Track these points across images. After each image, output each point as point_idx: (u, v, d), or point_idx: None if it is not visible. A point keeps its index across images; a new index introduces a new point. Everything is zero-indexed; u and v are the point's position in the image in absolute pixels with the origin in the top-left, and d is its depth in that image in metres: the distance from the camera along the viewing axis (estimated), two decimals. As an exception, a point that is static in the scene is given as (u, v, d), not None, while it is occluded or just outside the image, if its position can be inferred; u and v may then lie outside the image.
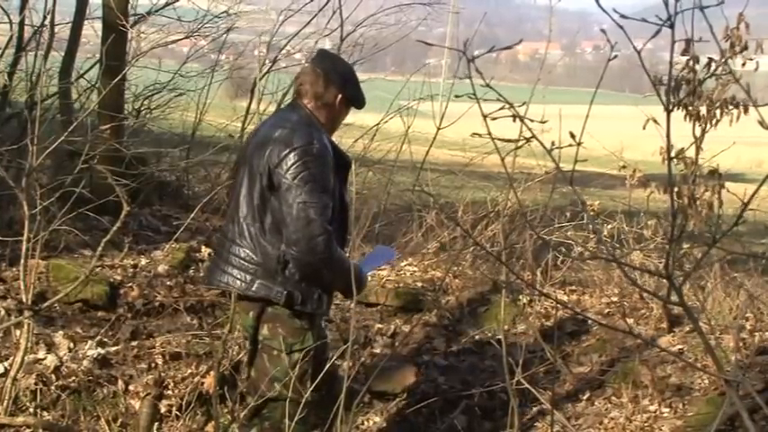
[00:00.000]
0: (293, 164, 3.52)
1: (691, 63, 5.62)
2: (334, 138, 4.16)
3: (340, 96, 3.74)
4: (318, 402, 3.58)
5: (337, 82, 3.73)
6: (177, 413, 4.56)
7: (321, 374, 3.52)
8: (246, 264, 3.64)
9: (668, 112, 2.00)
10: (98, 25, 7.46)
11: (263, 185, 3.60)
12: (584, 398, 4.86)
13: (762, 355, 4.83)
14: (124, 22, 6.93)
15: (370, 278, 4.08)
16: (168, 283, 5.69)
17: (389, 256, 4.59)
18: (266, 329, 3.67)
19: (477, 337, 5.63)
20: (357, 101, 3.85)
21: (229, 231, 3.72)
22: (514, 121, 2.09)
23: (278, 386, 3.59)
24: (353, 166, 5.88)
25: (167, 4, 8.46)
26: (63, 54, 7.48)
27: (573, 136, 2.09)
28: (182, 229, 6.27)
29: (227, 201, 4.00)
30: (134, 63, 7.79)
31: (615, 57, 2.08)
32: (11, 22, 7.02)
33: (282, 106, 4.14)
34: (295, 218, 3.47)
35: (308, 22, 8.31)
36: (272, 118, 3.97)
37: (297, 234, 3.48)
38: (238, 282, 3.65)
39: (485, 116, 2.05)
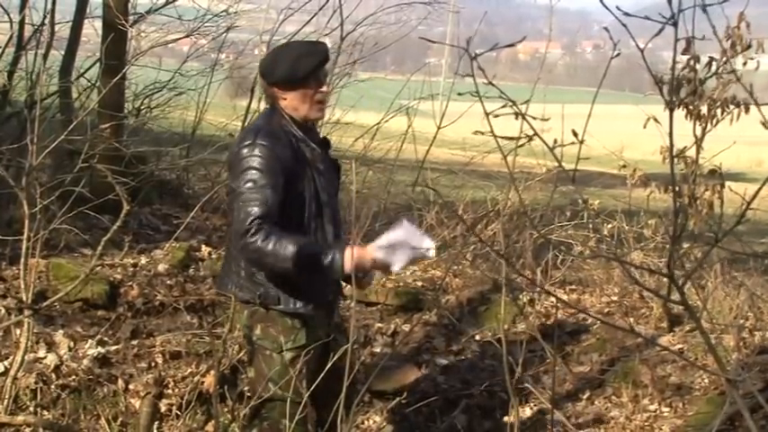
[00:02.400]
0: (236, 165, 3.50)
1: (692, 62, 5.63)
2: (332, 137, 4.14)
3: (273, 88, 3.63)
4: (321, 402, 3.57)
5: (265, 76, 3.66)
6: (177, 412, 4.56)
7: (323, 374, 3.49)
8: (238, 268, 3.64)
9: (671, 110, 1.99)
10: (98, 24, 7.46)
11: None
12: (584, 397, 4.86)
13: (762, 354, 4.82)
14: (124, 21, 6.92)
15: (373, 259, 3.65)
16: (168, 282, 5.69)
17: (421, 245, 3.51)
18: (259, 329, 3.66)
19: (477, 336, 5.63)
20: (288, 76, 3.59)
21: (230, 237, 3.76)
22: (516, 118, 2.09)
23: (272, 386, 3.58)
24: (353, 165, 5.88)
25: (167, 3, 8.45)
26: (63, 53, 7.48)
27: (575, 134, 2.08)
28: (182, 228, 6.27)
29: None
30: (134, 62, 7.79)
31: (618, 54, 2.07)
32: (11, 21, 7.01)
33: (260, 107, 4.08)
34: (235, 219, 3.44)
35: (308, 21, 8.29)
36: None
37: (236, 234, 3.44)
38: (233, 286, 3.66)
39: (487, 114, 2.05)
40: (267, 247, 3.37)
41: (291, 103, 3.63)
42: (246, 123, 5.44)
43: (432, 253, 3.50)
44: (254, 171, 3.44)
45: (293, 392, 3.40)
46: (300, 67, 3.61)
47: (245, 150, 3.47)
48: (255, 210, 3.38)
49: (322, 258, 3.41)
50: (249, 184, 3.42)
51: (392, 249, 3.48)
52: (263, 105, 7.96)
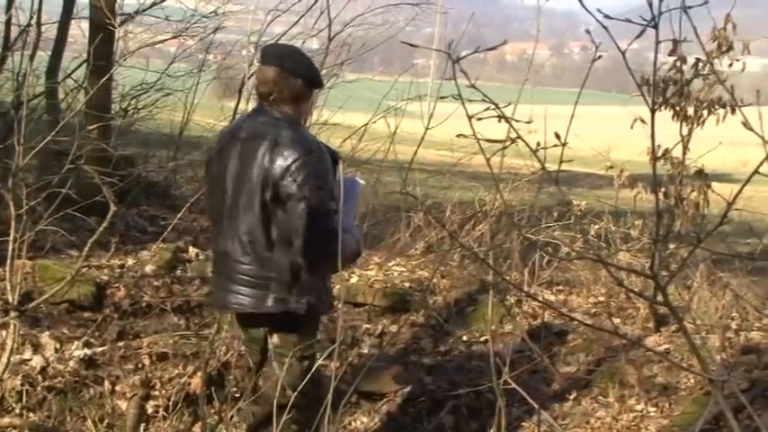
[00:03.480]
0: (298, 172, 3.47)
1: (678, 63, 5.65)
2: (319, 138, 4.15)
3: (308, 88, 3.67)
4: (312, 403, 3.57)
5: (303, 75, 3.64)
6: (164, 414, 4.55)
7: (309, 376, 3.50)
8: (257, 280, 3.58)
9: (653, 112, 2.01)
10: (85, 25, 7.45)
11: (266, 198, 3.52)
12: (571, 397, 4.87)
13: (747, 354, 4.85)
14: (111, 22, 6.91)
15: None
16: (155, 283, 5.68)
17: (355, 188, 3.95)
18: (276, 338, 3.65)
19: (464, 337, 5.63)
20: (317, 83, 3.77)
21: (231, 250, 3.62)
22: (500, 121, 2.09)
23: (292, 394, 3.56)
24: (341, 166, 5.88)
25: (154, 4, 8.44)
26: (50, 54, 7.46)
27: (558, 136, 2.09)
28: (169, 230, 6.26)
29: (211, 213, 3.85)
30: (121, 63, 7.77)
31: (600, 57, 2.08)
32: (-3, 22, 6.99)
33: (252, 111, 3.92)
34: (310, 227, 3.45)
35: (296, 22, 8.29)
36: (250, 121, 3.75)
37: (316, 242, 3.47)
38: (251, 300, 3.60)
39: (470, 117, 2.05)
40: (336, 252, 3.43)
41: (303, 109, 3.73)
42: (250, 124, 5.42)
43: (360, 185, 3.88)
44: (317, 179, 3.49)
45: (314, 399, 3.38)
46: (321, 79, 3.85)
47: (310, 155, 3.51)
48: (330, 220, 3.45)
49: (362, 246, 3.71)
50: (320, 193, 3.48)
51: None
52: (251, 106, 7.98)
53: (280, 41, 7.36)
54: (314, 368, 3.56)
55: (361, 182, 3.93)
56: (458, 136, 2.24)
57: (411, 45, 2.37)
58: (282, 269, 3.55)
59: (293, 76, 3.61)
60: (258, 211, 3.54)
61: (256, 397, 3.80)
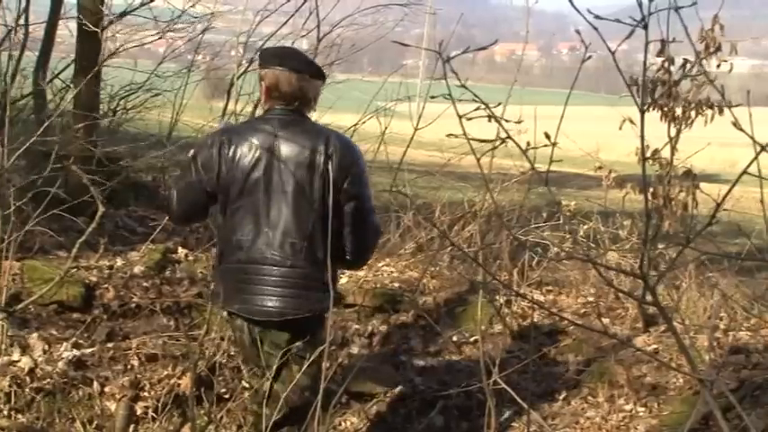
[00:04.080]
0: (359, 176, 3.67)
1: (666, 64, 5.68)
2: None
3: (320, 83, 3.82)
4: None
5: (323, 78, 3.84)
6: (153, 415, 4.54)
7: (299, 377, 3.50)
8: (308, 283, 3.59)
9: (642, 112, 2.01)
10: (73, 25, 7.42)
11: (321, 203, 3.57)
12: (561, 397, 4.88)
13: (735, 354, 4.87)
14: (99, 22, 6.88)
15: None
16: (144, 284, 5.67)
17: None
18: (300, 341, 3.63)
19: (454, 337, 5.64)
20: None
21: (270, 254, 3.58)
22: (490, 121, 2.10)
23: (308, 394, 3.55)
24: (330, 166, 5.88)
25: (143, 4, 8.41)
26: (37, 54, 7.43)
27: (548, 136, 2.10)
28: (158, 230, 6.24)
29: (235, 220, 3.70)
30: (107, 62, 7.74)
31: (590, 58, 2.09)
32: (-16, 22, 6.97)
33: (288, 116, 3.81)
34: (369, 228, 3.74)
35: (285, 23, 8.28)
36: (293, 130, 3.65)
37: (369, 242, 3.82)
38: (299, 302, 3.58)
39: (460, 117, 2.05)
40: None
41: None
42: (233, 121, 5.42)
43: None
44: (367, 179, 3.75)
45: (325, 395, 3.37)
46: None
47: (361, 161, 3.71)
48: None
49: None
50: (371, 192, 3.77)
51: None
52: (239, 106, 7.99)
53: (269, 42, 7.37)
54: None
55: None
56: (448, 136, 2.24)
57: (402, 45, 2.38)
58: (320, 268, 3.56)
59: (315, 79, 3.72)
60: (309, 216, 3.58)
61: (268, 400, 3.73)
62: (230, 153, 3.63)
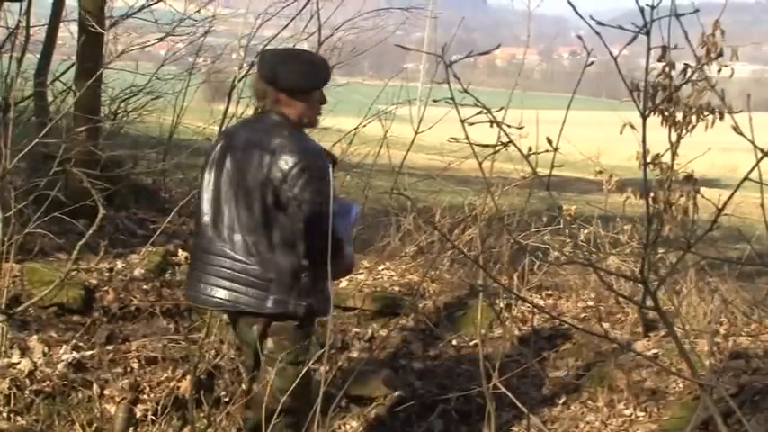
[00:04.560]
0: (299, 177, 3.51)
1: (667, 69, 5.68)
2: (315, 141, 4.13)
3: (282, 94, 3.64)
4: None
5: (269, 79, 3.65)
6: (153, 418, 4.54)
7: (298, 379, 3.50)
8: (258, 281, 3.57)
9: (644, 117, 2.01)
10: (74, 28, 7.43)
11: (268, 202, 3.55)
12: (561, 402, 4.88)
13: (735, 359, 4.86)
14: (100, 25, 6.89)
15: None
16: (144, 286, 5.67)
17: (352, 211, 3.98)
18: (271, 342, 3.64)
19: (454, 341, 5.64)
20: (300, 87, 3.66)
21: (231, 250, 3.62)
22: (491, 126, 2.10)
23: (284, 398, 3.55)
24: (331, 170, 5.87)
25: (144, 7, 8.43)
26: (38, 56, 7.44)
27: (550, 141, 2.10)
28: (158, 233, 6.24)
29: (199, 211, 3.82)
30: (109, 65, 7.75)
31: (592, 63, 2.09)
32: (-15, 24, 6.98)
33: (254, 115, 3.96)
34: (310, 228, 3.52)
35: (286, 26, 8.28)
36: (252, 127, 3.79)
37: (322, 247, 3.41)
38: (249, 299, 3.59)
39: (462, 121, 2.06)
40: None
41: (300, 110, 3.68)
42: (232, 130, 5.41)
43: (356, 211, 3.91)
44: (320, 182, 3.52)
45: (306, 402, 3.37)
46: (314, 77, 3.70)
47: (310, 160, 3.55)
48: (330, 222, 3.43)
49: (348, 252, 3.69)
50: (323, 197, 3.49)
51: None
52: (240, 110, 7.99)
53: (270, 45, 7.37)
54: (303, 372, 3.55)
55: (357, 207, 4.03)
56: (450, 140, 2.25)
57: (404, 48, 2.38)
58: (283, 271, 3.56)
59: (267, 84, 3.65)
60: (259, 214, 3.57)
61: (248, 401, 3.78)
62: (213, 152, 3.80)
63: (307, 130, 3.90)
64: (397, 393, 4.99)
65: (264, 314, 3.61)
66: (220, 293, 3.64)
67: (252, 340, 3.68)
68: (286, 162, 3.52)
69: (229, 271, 3.62)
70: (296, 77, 3.65)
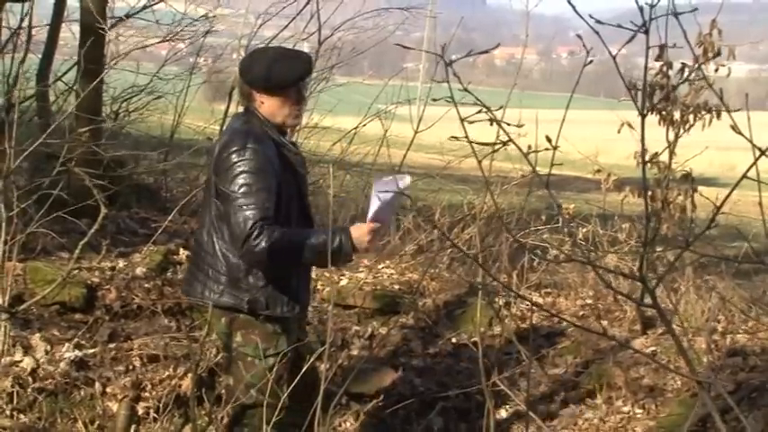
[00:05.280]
0: (227, 170, 3.45)
1: (665, 69, 5.68)
2: (310, 141, 4.12)
3: (253, 91, 3.61)
4: (297, 406, 3.54)
5: (244, 77, 3.63)
6: (155, 415, 4.54)
7: (298, 378, 3.49)
8: (217, 274, 3.61)
9: (643, 116, 2.01)
10: (76, 28, 7.42)
11: (214, 195, 3.57)
12: (559, 399, 4.88)
13: (733, 356, 4.87)
14: (102, 25, 6.89)
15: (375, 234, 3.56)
16: (146, 285, 5.66)
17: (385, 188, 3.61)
18: (239, 336, 3.65)
19: (453, 339, 5.64)
20: (272, 85, 3.58)
21: (201, 242, 3.69)
22: (491, 124, 2.10)
23: (254, 392, 3.56)
24: (331, 169, 5.87)
25: (145, 7, 8.42)
26: (40, 56, 7.43)
27: (549, 140, 2.10)
28: (159, 232, 6.24)
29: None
30: (112, 66, 7.75)
31: (590, 62, 2.09)
32: (-13, 25, 6.97)
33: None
34: (234, 224, 3.42)
35: (286, 26, 8.28)
36: (228, 125, 3.86)
37: (235, 238, 3.44)
38: (210, 293, 3.62)
39: (462, 120, 2.06)
40: (274, 246, 3.38)
41: (269, 108, 3.62)
42: (225, 126, 5.41)
43: (407, 180, 3.58)
44: (247, 175, 3.43)
45: (275, 397, 3.36)
46: (283, 75, 3.59)
47: (235, 155, 3.45)
48: (254, 213, 3.38)
49: (329, 244, 3.37)
50: (244, 189, 3.41)
51: (382, 212, 3.53)
52: (240, 110, 7.99)
53: (270, 45, 7.36)
54: (274, 368, 3.55)
55: (408, 178, 3.66)
56: (450, 138, 2.24)
57: (404, 47, 2.38)
58: (233, 266, 3.57)
59: (245, 82, 3.64)
60: (213, 208, 3.59)
61: (223, 396, 3.81)
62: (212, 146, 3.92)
63: (304, 132, 3.90)
64: (396, 391, 5.00)
65: (221, 307, 3.62)
66: (195, 286, 3.69)
67: (221, 333, 3.69)
68: (221, 153, 3.51)
69: (201, 264, 3.67)
70: (266, 73, 3.58)
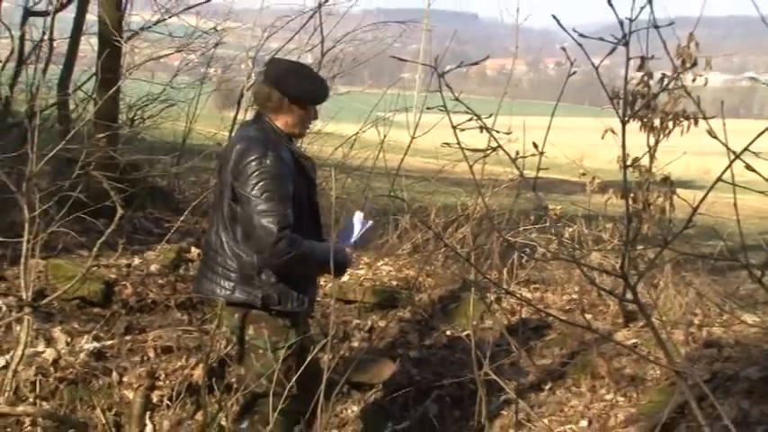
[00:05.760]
0: (249, 176, 3.45)
1: (645, 78, 5.69)
2: (313, 146, 4.12)
3: (285, 99, 3.61)
4: (301, 395, 3.55)
5: (278, 85, 3.60)
6: (168, 403, 4.54)
7: (303, 368, 3.49)
8: (227, 272, 3.60)
9: (624, 123, 2.02)
10: (94, 40, 7.43)
11: (229, 198, 3.56)
12: (547, 388, 4.88)
13: (708, 348, 4.87)
14: (119, 38, 6.89)
15: (353, 255, 3.85)
16: (160, 281, 5.67)
17: (361, 224, 3.98)
18: (251, 330, 3.65)
19: (447, 331, 5.64)
20: (306, 97, 3.66)
21: (211, 241, 3.68)
22: (482, 131, 2.10)
23: (265, 382, 3.56)
24: (333, 173, 5.86)
25: (159, 21, 8.43)
26: (61, 67, 7.44)
27: (536, 146, 2.10)
28: (172, 231, 6.25)
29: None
30: (128, 76, 7.76)
31: (574, 73, 2.09)
32: (12, 37, 6.98)
33: (247, 118, 4.01)
34: (255, 227, 3.42)
35: (291, 38, 8.28)
36: (239, 129, 3.84)
37: (259, 243, 3.44)
38: (222, 290, 3.61)
39: (454, 127, 2.06)
40: (296, 255, 3.43)
41: (291, 119, 3.66)
42: (235, 132, 5.41)
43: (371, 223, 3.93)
44: (267, 181, 3.44)
45: (283, 387, 3.36)
46: (318, 92, 3.68)
47: (256, 162, 3.45)
48: (278, 220, 3.40)
49: (334, 259, 3.40)
50: (265, 194, 3.42)
51: (360, 240, 3.92)
52: (248, 116, 7.98)
53: (276, 56, 7.37)
54: (282, 359, 3.54)
55: (363, 216, 3.98)
56: (443, 145, 2.25)
57: (400, 59, 2.38)
58: (245, 264, 3.56)
59: (275, 90, 3.61)
60: (227, 209, 3.59)
61: (235, 386, 3.80)
62: (222, 150, 3.91)
63: (308, 138, 3.90)
64: (394, 380, 4.99)
65: (234, 303, 3.62)
66: (207, 284, 3.68)
67: (234, 327, 3.69)
68: (242, 158, 3.49)
69: (213, 264, 3.66)
70: (304, 88, 3.64)
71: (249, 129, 3.67)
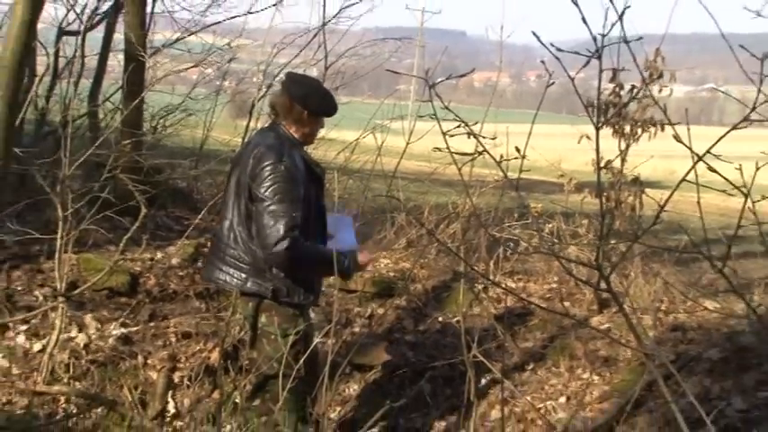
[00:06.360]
0: (264, 179, 3.46)
1: (617, 89, 5.69)
2: (318, 151, 4.12)
3: (305, 112, 3.65)
4: (306, 377, 3.54)
5: (300, 100, 3.64)
6: (188, 383, 4.55)
7: (308, 352, 3.49)
8: (241, 264, 3.59)
9: (597, 129, 2.01)
10: (121, 57, 7.41)
11: (246, 197, 3.55)
12: (529, 368, 4.88)
13: (674, 331, 4.87)
14: (143, 54, 6.88)
15: (357, 254, 3.77)
16: (180, 273, 5.66)
17: (347, 221, 4.02)
18: (264, 318, 3.64)
19: (440, 318, 5.64)
20: (322, 112, 3.72)
21: (224, 235, 3.66)
22: (469, 137, 2.10)
23: (276, 365, 3.55)
24: (336, 175, 5.86)
25: (179, 39, 8.42)
26: (91, 81, 7.43)
27: (518, 150, 2.10)
28: (191, 228, 6.23)
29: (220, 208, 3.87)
30: (151, 88, 7.74)
31: (553, 84, 2.09)
32: (48, 54, 6.97)
33: (266, 125, 3.99)
34: (265, 226, 3.43)
35: (298, 54, 8.28)
36: (257, 136, 3.83)
37: (266, 240, 3.43)
38: (235, 280, 3.60)
39: (444, 133, 2.06)
40: (297, 256, 3.43)
41: (306, 129, 3.70)
42: (253, 138, 5.41)
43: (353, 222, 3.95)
44: (280, 185, 3.44)
45: (292, 369, 3.36)
46: (334, 108, 3.75)
47: (271, 167, 3.46)
48: (285, 221, 3.40)
49: (338, 264, 3.44)
50: (278, 197, 3.43)
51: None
52: (259, 124, 7.97)
53: (285, 70, 7.35)
54: (291, 343, 3.54)
55: (351, 214, 4.00)
56: (434, 149, 2.24)
57: (396, 73, 2.37)
58: (258, 258, 3.55)
59: (298, 104, 3.64)
60: (243, 207, 3.58)
61: (248, 368, 3.79)
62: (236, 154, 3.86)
63: (314, 143, 3.90)
64: (392, 362, 4.99)
65: (247, 293, 3.61)
66: (219, 274, 3.66)
67: (248, 315, 3.69)
68: (260, 162, 3.50)
69: (225, 256, 3.65)
70: (324, 105, 3.70)
71: (267, 136, 3.67)
